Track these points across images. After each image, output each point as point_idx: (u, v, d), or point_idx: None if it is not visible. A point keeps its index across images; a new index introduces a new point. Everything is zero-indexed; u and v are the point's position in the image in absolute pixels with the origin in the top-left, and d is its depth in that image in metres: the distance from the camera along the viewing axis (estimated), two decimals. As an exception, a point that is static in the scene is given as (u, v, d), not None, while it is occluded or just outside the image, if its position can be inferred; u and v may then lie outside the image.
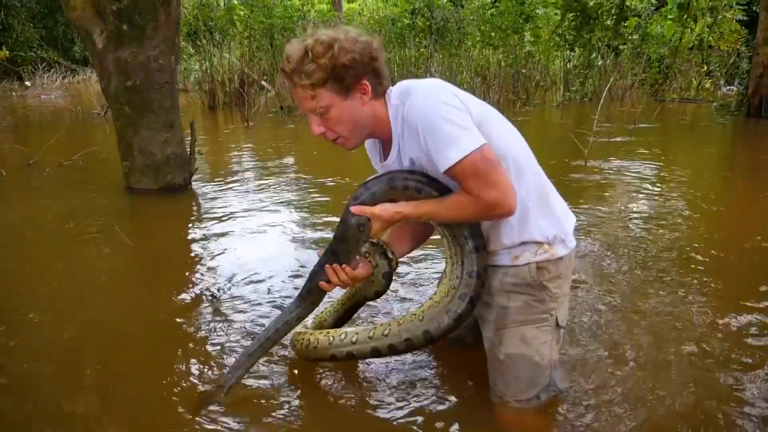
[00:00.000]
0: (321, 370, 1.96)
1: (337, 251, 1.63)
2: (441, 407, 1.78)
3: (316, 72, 1.46)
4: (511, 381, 1.65)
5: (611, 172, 4.93)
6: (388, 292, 1.96)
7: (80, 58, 15.62)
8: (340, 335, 1.76)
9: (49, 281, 2.80)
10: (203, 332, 2.26)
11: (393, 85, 1.60)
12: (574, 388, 1.84)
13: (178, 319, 2.38)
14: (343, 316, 1.96)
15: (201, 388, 1.88)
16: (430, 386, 1.88)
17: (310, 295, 1.70)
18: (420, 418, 1.73)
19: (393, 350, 1.70)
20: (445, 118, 1.43)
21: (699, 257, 2.95)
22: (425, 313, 1.66)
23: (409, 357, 2.01)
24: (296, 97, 1.54)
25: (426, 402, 1.80)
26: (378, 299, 1.93)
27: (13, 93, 13.07)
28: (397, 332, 1.67)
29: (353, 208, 1.55)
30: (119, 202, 4.22)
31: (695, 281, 2.65)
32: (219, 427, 1.68)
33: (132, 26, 4.00)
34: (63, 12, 4.23)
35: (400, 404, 1.78)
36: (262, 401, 1.81)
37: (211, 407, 1.75)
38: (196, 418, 1.71)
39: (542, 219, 1.60)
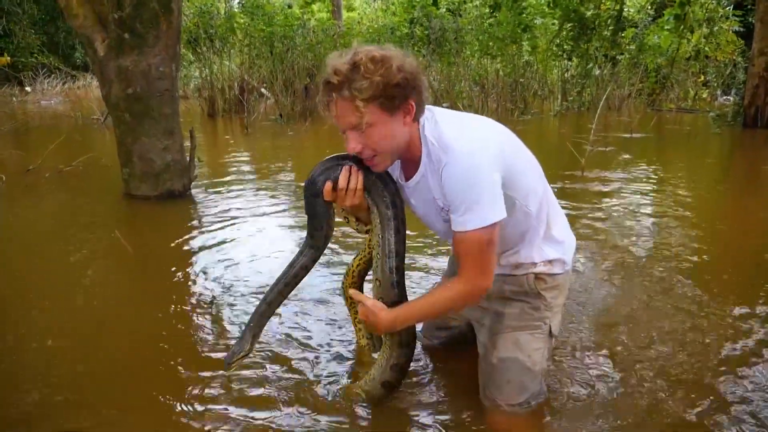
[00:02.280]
0: (314, 377, 1.98)
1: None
2: (432, 410, 1.80)
3: (368, 88, 1.40)
4: (502, 384, 1.69)
5: (608, 180, 4.96)
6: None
7: (81, 64, 15.67)
8: None
9: (50, 287, 2.82)
10: (201, 337, 2.28)
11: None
12: (567, 394, 1.86)
13: (178, 326, 2.40)
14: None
15: (198, 391, 1.90)
16: (421, 390, 1.90)
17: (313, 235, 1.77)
18: (410, 421, 1.75)
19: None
20: (481, 192, 1.45)
21: (695, 265, 2.97)
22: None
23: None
24: (338, 111, 1.47)
25: (416, 405, 1.82)
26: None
27: (14, 98, 13.11)
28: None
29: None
30: (118, 209, 4.24)
31: (691, 289, 2.67)
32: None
33: (133, 35, 4.04)
34: (65, 18, 4.26)
35: (391, 407, 1.80)
36: (259, 403, 1.83)
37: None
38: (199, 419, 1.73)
39: (546, 245, 1.69)
